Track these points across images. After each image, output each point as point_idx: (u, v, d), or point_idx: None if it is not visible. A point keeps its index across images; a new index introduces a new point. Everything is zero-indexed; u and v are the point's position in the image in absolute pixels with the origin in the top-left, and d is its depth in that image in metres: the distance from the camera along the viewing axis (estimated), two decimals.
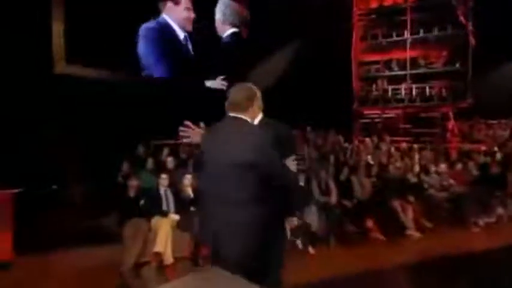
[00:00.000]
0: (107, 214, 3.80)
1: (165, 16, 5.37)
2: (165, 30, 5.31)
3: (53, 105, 4.49)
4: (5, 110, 3.94)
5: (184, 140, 1.76)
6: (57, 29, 4.54)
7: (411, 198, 4.64)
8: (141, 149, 5.02)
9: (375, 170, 4.96)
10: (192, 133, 1.72)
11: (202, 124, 1.78)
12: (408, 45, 7.93)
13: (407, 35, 7.94)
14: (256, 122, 1.77)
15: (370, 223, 4.30)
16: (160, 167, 4.45)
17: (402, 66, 8.12)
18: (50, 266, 3.30)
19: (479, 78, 7.30)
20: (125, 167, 4.36)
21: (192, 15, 5.49)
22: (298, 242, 3.85)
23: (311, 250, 3.84)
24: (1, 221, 3.18)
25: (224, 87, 5.59)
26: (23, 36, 3.97)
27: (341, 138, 6.79)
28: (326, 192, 4.38)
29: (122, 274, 2.86)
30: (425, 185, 5.03)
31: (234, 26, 5.85)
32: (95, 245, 3.54)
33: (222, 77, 5.86)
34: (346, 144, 6.52)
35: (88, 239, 3.64)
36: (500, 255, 3.67)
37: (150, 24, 5.27)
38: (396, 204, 4.53)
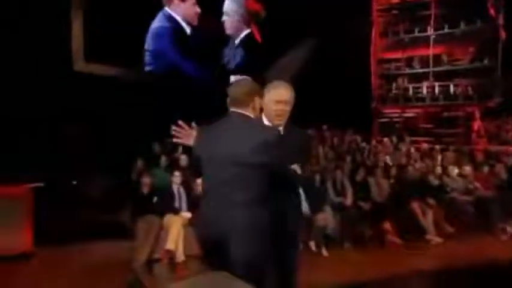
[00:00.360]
0: (122, 210, 3.87)
1: (171, 12, 5.37)
2: (174, 26, 5.31)
3: (72, 102, 4.63)
4: (26, 107, 4.11)
5: (175, 141, 1.71)
6: (77, 28, 4.68)
7: (432, 201, 4.43)
8: (156, 147, 5.09)
9: (393, 171, 4.77)
10: (184, 134, 1.67)
11: (193, 124, 1.73)
12: (432, 42, 7.58)
13: (430, 30, 7.59)
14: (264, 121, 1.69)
15: (387, 226, 4.14)
16: (174, 165, 4.48)
17: (425, 64, 7.79)
18: (67, 258, 3.41)
19: (509, 74, 6.86)
20: (139, 164, 4.43)
21: (198, 10, 5.49)
22: (312, 244, 3.77)
23: (324, 252, 3.74)
24: (22, 214, 3.32)
25: None
26: (45, 36, 4.12)
27: (358, 138, 6.60)
28: (341, 193, 4.26)
29: (134, 270, 2.90)
30: (448, 188, 4.78)
31: (249, 26, 5.78)
32: (110, 240, 3.63)
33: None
34: (364, 144, 6.33)
35: (104, 234, 3.73)
36: None
37: (160, 23, 5.27)
38: (415, 206, 4.34)
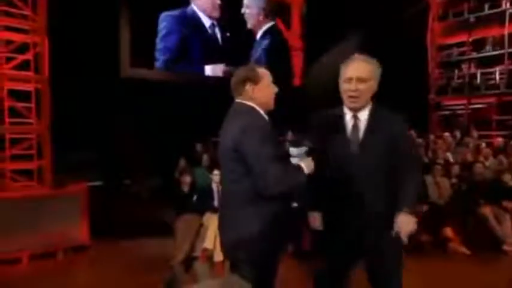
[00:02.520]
0: (168, 208, 4.05)
1: (193, 4, 5.40)
2: (189, 17, 5.31)
3: (123, 106, 5.02)
4: (79, 110, 4.56)
5: None
6: (124, 37, 5.07)
7: (509, 205, 3.72)
8: (199, 146, 5.24)
9: (456, 169, 4.14)
10: None
11: None
12: (508, 18, 6.47)
13: (506, 5, 6.50)
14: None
15: (449, 232, 3.59)
16: (215, 164, 4.54)
17: (497, 45, 6.68)
18: (118, 250, 3.70)
19: None
20: (181, 163, 4.59)
21: (217, 1, 5.41)
22: None
23: None
24: (80, 210, 3.68)
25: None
26: (96, 45, 4.55)
27: (413, 133, 5.92)
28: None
29: (172, 267, 2.97)
30: None
31: (271, 19, 5.62)
32: (158, 236, 3.83)
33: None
34: (420, 140, 5.66)
35: (153, 230, 3.95)
36: None
37: (172, 12, 5.32)
38: (487, 211, 3.69)
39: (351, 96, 1.46)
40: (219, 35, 5.67)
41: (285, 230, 1.49)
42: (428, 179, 3.96)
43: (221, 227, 1.47)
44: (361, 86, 1.46)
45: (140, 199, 4.92)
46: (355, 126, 1.48)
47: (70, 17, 4.30)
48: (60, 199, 3.57)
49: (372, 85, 1.49)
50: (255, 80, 1.43)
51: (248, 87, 1.43)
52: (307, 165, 1.38)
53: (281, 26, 6.77)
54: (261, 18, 5.61)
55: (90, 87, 4.61)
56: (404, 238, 1.42)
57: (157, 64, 5.48)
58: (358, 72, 1.45)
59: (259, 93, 1.44)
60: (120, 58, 5.05)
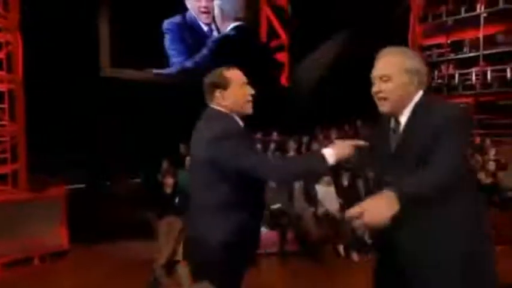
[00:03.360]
0: (151, 210, 3.97)
1: (190, 9, 5.40)
2: (189, 23, 5.33)
3: (102, 106, 4.88)
4: (60, 110, 4.41)
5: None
6: (104, 37, 4.93)
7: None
8: (182, 148, 5.16)
9: None
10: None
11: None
12: (482, 21, 6.73)
13: (481, 8, 6.75)
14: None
15: None
16: None
17: (473, 47, 6.95)
18: (99, 254, 3.58)
19: None
20: (165, 165, 4.51)
21: (203, 3, 5.38)
22: (340, 248, 3.48)
23: (355, 257, 3.43)
24: (58, 214, 3.54)
25: None
26: (75, 44, 4.40)
27: None
28: (374, 192, 3.88)
29: (155, 271, 2.91)
30: (504, 187, 4.14)
31: (236, 19, 5.60)
32: (142, 239, 3.73)
33: None
34: None
35: (136, 233, 3.85)
36: None
37: (174, 18, 5.30)
38: None
39: (378, 99, 1.23)
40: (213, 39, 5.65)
41: (254, 237, 1.47)
42: None
43: (189, 233, 1.43)
44: (385, 86, 1.20)
45: (122, 201, 4.81)
46: (396, 127, 1.25)
47: (54, 16, 4.15)
48: (37, 203, 3.43)
49: (402, 81, 1.19)
50: (223, 85, 1.36)
51: (217, 93, 1.36)
52: (335, 152, 1.25)
53: (278, 27, 6.75)
54: (221, 17, 5.60)
55: (70, 87, 4.47)
56: (355, 226, 1.08)
57: (174, 68, 5.47)
58: (378, 70, 1.22)
59: (231, 98, 1.35)
60: (100, 58, 4.91)
